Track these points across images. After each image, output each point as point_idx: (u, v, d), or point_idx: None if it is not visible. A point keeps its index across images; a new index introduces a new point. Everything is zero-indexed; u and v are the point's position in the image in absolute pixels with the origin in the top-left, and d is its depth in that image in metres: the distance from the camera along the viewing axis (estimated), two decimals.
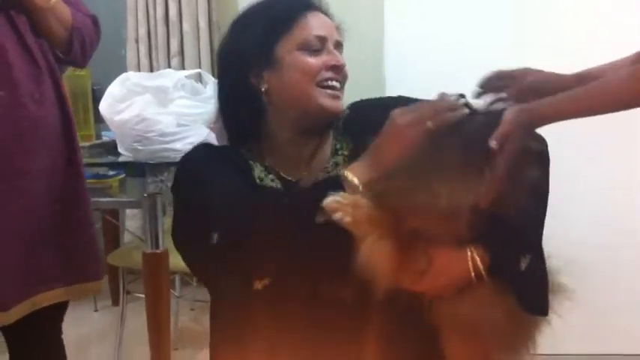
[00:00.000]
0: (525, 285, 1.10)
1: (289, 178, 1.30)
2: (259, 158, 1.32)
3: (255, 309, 1.20)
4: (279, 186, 1.28)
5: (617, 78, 1.08)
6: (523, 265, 1.09)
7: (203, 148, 1.39)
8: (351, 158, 1.27)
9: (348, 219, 1.04)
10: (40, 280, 1.65)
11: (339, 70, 1.28)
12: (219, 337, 1.32)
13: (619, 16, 2.45)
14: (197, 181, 1.24)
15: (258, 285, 1.15)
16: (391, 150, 1.09)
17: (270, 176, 1.30)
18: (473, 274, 1.09)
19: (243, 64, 1.28)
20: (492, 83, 1.28)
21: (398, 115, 1.10)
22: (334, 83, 1.27)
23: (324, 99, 1.26)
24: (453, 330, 1.13)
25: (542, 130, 1.12)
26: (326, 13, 1.32)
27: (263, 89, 1.28)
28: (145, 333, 2.21)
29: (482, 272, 1.09)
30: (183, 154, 1.36)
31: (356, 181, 1.09)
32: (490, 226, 1.05)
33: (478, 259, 1.09)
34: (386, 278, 1.07)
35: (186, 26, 3.49)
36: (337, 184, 1.09)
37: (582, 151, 2.48)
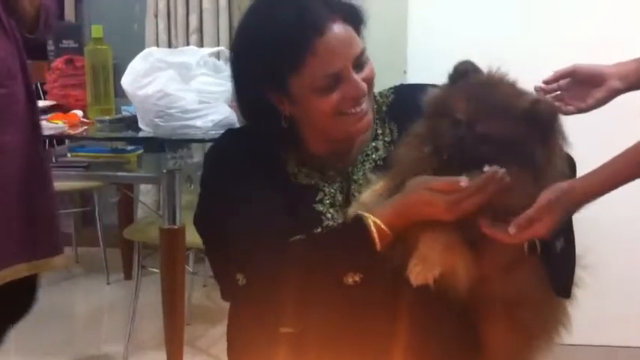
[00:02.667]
0: (558, 267, 1.14)
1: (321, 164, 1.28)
2: (291, 148, 1.28)
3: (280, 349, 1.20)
4: (314, 181, 1.27)
5: None
6: (558, 246, 1.12)
7: (232, 145, 1.31)
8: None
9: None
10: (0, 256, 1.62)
11: (360, 98, 1.20)
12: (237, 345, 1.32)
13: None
14: (225, 201, 1.23)
15: (283, 330, 1.17)
16: (420, 213, 1.09)
17: (304, 170, 1.27)
18: (526, 248, 1.11)
19: (258, 87, 1.23)
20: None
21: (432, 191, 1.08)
22: (357, 110, 1.20)
23: (348, 126, 1.21)
24: (498, 314, 1.14)
25: None
26: (343, 19, 1.18)
27: (284, 114, 1.23)
28: (157, 307, 2.22)
29: (537, 245, 1.10)
30: (210, 146, 1.36)
31: (384, 228, 1.10)
32: None
33: None
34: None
35: (206, 4, 3.48)
36: (364, 232, 1.10)
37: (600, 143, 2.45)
